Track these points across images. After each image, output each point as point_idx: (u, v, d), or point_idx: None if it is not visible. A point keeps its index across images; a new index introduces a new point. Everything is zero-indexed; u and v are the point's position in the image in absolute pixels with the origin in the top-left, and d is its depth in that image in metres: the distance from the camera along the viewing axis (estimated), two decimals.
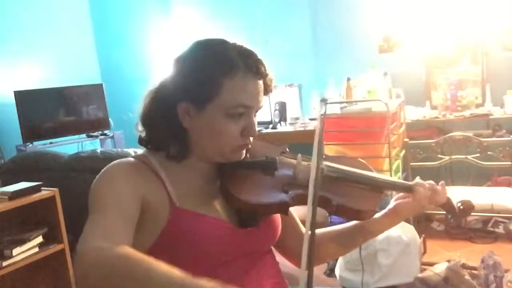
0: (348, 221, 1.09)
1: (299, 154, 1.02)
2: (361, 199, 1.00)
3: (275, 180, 0.96)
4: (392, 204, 1.08)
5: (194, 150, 0.96)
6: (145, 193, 0.90)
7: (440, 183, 1.09)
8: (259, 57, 0.95)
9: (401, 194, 1.09)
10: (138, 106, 0.99)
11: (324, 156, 1.06)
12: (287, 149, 1.09)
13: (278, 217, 1.04)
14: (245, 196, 0.91)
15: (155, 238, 0.90)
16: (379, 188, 1.05)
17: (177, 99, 0.93)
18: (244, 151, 0.97)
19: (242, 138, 0.94)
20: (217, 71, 0.90)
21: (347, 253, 2.24)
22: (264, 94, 0.96)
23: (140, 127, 0.99)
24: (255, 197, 0.93)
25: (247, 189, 0.93)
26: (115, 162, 0.94)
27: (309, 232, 0.78)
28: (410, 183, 1.08)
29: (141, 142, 1.00)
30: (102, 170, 0.93)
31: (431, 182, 1.07)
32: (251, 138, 0.96)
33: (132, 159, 0.97)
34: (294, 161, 1.01)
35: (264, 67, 0.94)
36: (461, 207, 1.13)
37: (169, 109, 0.93)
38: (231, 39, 0.97)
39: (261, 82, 0.94)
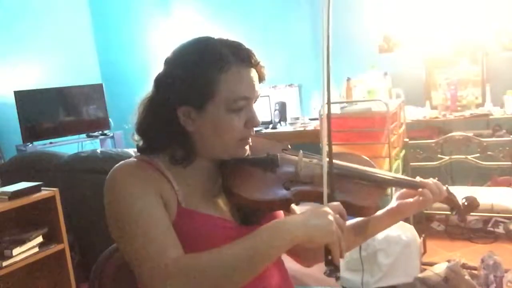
0: (350, 218, 1.09)
1: (301, 151, 1.02)
2: (363, 195, 1.00)
3: (276, 177, 0.96)
4: (394, 203, 1.08)
5: (199, 151, 0.96)
6: (160, 192, 0.89)
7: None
8: (247, 47, 0.95)
9: (403, 191, 1.09)
10: (132, 116, 0.98)
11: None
12: (289, 146, 1.09)
13: (280, 213, 1.04)
14: (246, 193, 0.91)
15: None
16: (381, 184, 1.05)
17: (176, 105, 0.92)
18: (247, 147, 0.98)
19: (246, 130, 0.94)
20: (210, 69, 0.90)
21: (348, 252, 2.24)
22: (259, 82, 0.96)
23: (136, 137, 0.98)
24: (256, 194, 0.93)
25: (249, 186, 0.93)
26: (118, 166, 0.91)
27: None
28: (417, 181, 1.07)
29: (141, 150, 0.98)
30: (110, 178, 0.89)
31: (434, 181, 1.07)
32: (254, 129, 0.97)
33: (135, 159, 0.95)
34: (295, 158, 1.01)
35: (254, 56, 0.94)
36: (466, 203, 1.13)
37: (168, 116, 0.92)
38: (227, 38, 0.96)
39: (254, 71, 0.94)
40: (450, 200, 1.11)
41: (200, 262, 0.79)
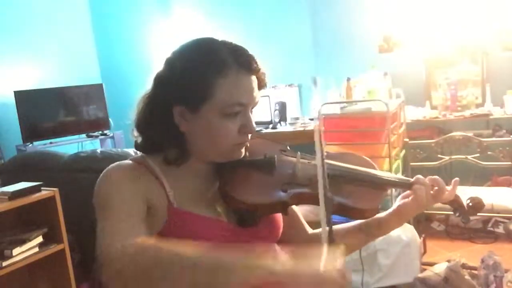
0: (349, 220, 1.07)
1: (299, 152, 1.01)
2: (362, 197, 0.98)
3: (274, 179, 0.95)
4: (396, 204, 1.06)
5: (193, 153, 0.96)
6: (147, 195, 0.90)
7: (453, 180, 1.03)
8: (250, 52, 0.93)
9: (406, 192, 1.07)
10: (132, 112, 0.98)
11: (325, 154, 1.03)
12: (288, 147, 1.07)
13: (279, 215, 1.03)
14: (243, 196, 0.90)
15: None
16: (380, 186, 1.03)
17: (171, 103, 0.92)
18: (243, 149, 0.96)
19: (240, 136, 0.93)
20: (209, 71, 0.89)
21: (348, 255, 2.24)
22: (258, 89, 0.95)
23: (135, 133, 0.99)
24: (253, 196, 0.91)
25: (246, 189, 0.92)
26: (114, 165, 0.94)
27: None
28: (409, 180, 1.04)
29: (138, 147, 0.99)
30: (102, 174, 0.92)
31: (435, 177, 1.02)
32: (249, 135, 0.95)
33: (130, 161, 0.96)
34: (293, 159, 0.99)
35: (256, 62, 0.92)
36: (470, 204, 1.08)
37: (164, 114, 0.92)
38: (227, 38, 0.95)
39: (254, 77, 0.93)
40: (453, 200, 1.06)
41: (149, 256, 0.73)
